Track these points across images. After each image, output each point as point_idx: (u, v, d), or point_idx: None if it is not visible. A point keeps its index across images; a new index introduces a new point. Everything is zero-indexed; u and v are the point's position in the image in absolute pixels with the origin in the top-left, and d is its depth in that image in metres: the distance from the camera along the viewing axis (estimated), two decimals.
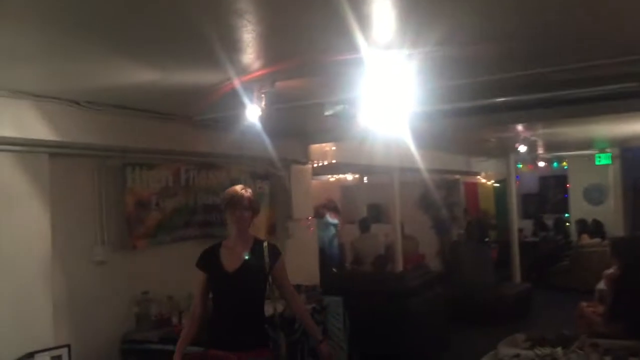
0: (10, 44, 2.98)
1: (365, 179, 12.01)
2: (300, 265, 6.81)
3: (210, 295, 3.76)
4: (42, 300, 4.35)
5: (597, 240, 11.23)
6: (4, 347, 4.06)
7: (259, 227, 6.43)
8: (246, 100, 3.92)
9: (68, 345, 4.40)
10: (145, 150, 5.13)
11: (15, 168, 4.21)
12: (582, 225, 12.38)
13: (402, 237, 9.72)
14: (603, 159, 11.62)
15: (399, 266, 9.08)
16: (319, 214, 10.90)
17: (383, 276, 7.37)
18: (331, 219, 10.11)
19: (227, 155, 5.90)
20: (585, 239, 11.50)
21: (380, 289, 6.79)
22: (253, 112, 3.95)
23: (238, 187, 3.72)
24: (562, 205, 14.32)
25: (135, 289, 5.10)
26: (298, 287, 6.24)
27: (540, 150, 11.00)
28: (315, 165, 7.16)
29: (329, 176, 11.66)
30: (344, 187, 12.58)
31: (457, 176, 12.73)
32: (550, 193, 15.32)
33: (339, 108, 4.69)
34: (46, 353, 4.24)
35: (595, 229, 12.09)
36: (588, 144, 10.64)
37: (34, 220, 4.34)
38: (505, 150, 10.36)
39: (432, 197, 11.16)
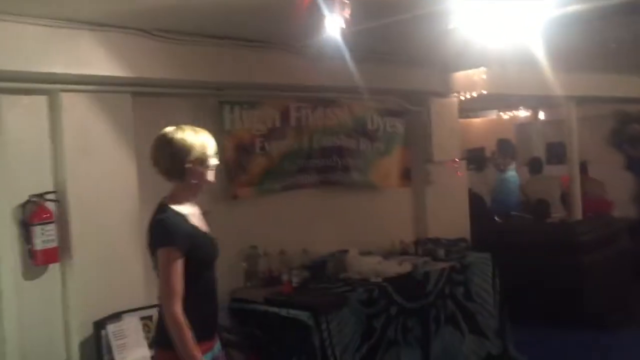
0: None
1: (541, 114, 10.60)
2: (444, 215, 5.87)
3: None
4: (131, 255, 3.98)
5: None
6: (90, 305, 3.78)
7: (391, 171, 5.59)
8: (325, 10, 3.04)
9: (160, 305, 4.03)
10: (243, 85, 4.50)
11: (91, 110, 3.81)
12: None
13: (584, 180, 8.25)
14: None
15: (576, 214, 7.62)
16: (487, 157, 9.82)
17: (546, 227, 6.12)
18: (502, 162, 8.86)
19: (348, 90, 5.06)
20: None
21: (544, 242, 5.62)
22: (333, 25, 3.06)
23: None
24: None
25: (243, 243, 4.61)
26: (436, 241, 5.38)
27: None
28: (463, 97, 6.02)
29: (500, 113, 10.48)
30: (518, 125, 11.25)
31: None
32: None
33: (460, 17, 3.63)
34: (135, 313, 3.90)
35: None
36: None
37: (118, 169, 3.95)
38: None
39: (627, 131, 9.39)
